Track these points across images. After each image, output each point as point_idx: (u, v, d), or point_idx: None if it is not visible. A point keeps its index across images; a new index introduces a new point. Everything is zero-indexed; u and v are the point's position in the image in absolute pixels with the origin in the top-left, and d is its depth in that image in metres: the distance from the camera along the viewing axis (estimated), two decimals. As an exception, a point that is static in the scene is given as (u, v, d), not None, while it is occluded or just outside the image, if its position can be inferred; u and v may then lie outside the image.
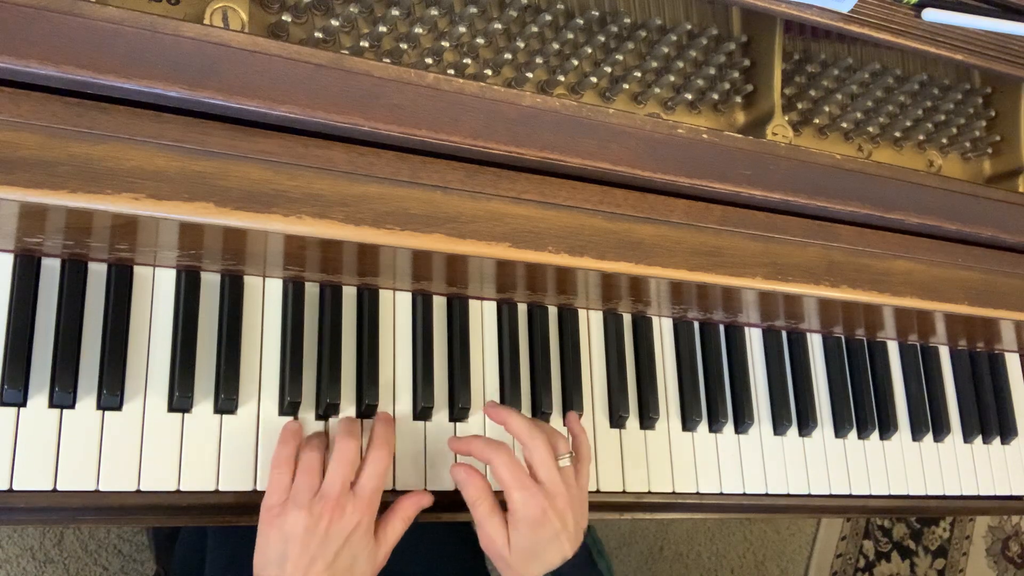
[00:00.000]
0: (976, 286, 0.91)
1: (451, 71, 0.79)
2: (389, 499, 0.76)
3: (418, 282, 0.83)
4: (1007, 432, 1.12)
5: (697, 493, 0.93)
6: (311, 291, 0.81)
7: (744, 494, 0.95)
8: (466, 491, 0.76)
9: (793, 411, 1.00)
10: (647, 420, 0.91)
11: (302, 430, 0.77)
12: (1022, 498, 1.11)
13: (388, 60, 0.75)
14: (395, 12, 0.76)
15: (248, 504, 0.75)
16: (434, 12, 0.77)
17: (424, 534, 0.94)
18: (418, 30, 0.76)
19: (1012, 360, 1.17)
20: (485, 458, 0.76)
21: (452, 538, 0.98)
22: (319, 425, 0.79)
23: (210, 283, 0.77)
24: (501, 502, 0.75)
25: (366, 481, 0.72)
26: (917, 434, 1.06)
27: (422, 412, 0.82)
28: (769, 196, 0.80)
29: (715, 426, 0.95)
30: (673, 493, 0.91)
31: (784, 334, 1.02)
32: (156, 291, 0.76)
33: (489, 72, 0.81)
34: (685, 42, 0.88)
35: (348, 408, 0.80)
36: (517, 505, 0.73)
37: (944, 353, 1.12)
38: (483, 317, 0.87)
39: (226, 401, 0.75)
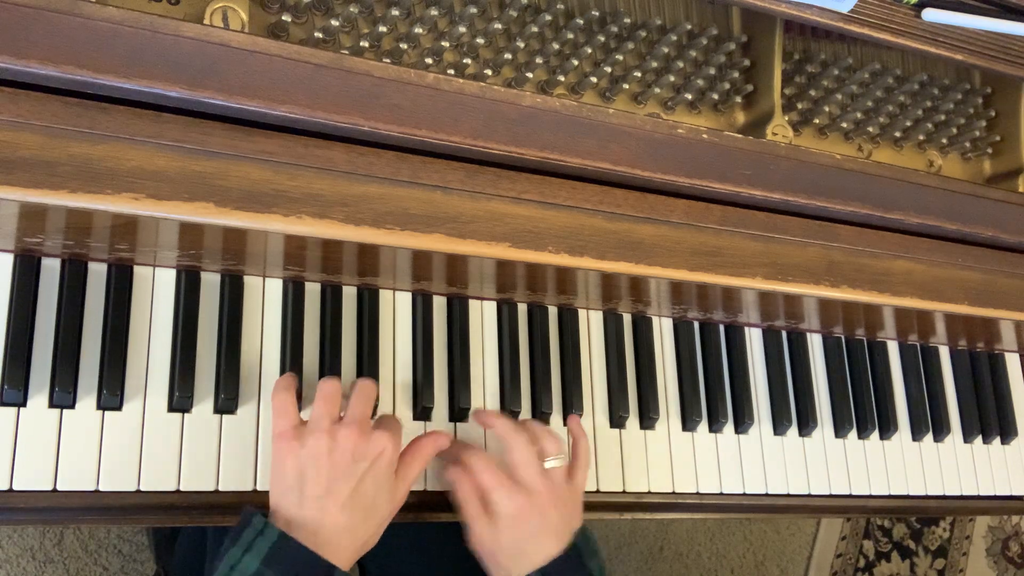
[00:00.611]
0: (976, 286, 0.91)
1: (451, 71, 0.79)
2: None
3: (418, 282, 0.83)
4: (1007, 432, 1.12)
5: (697, 493, 0.93)
6: (311, 291, 0.81)
7: (744, 494, 0.95)
8: (458, 491, 0.77)
9: (793, 411, 1.00)
10: (647, 420, 0.91)
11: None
12: (1022, 498, 1.11)
13: (388, 60, 0.75)
14: (395, 12, 0.76)
15: (248, 504, 0.74)
16: (434, 12, 0.77)
17: (424, 534, 0.94)
18: (418, 30, 0.76)
19: (1012, 360, 1.16)
20: (463, 462, 0.77)
21: (452, 538, 0.97)
22: (319, 425, 0.79)
23: (210, 283, 0.77)
24: None
25: (386, 423, 0.72)
26: (917, 434, 1.06)
27: (422, 412, 0.82)
28: (769, 196, 0.80)
29: (715, 426, 0.95)
30: (673, 493, 0.91)
31: (784, 334, 1.02)
32: (156, 291, 0.76)
33: (489, 72, 0.81)
34: (685, 42, 0.88)
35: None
36: (497, 505, 0.74)
37: (944, 353, 1.12)
38: (483, 317, 0.87)
39: (226, 401, 0.75)
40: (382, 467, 0.70)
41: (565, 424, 0.87)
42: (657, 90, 0.87)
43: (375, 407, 0.80)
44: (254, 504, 0.74)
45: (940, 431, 1.07)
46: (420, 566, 0.94)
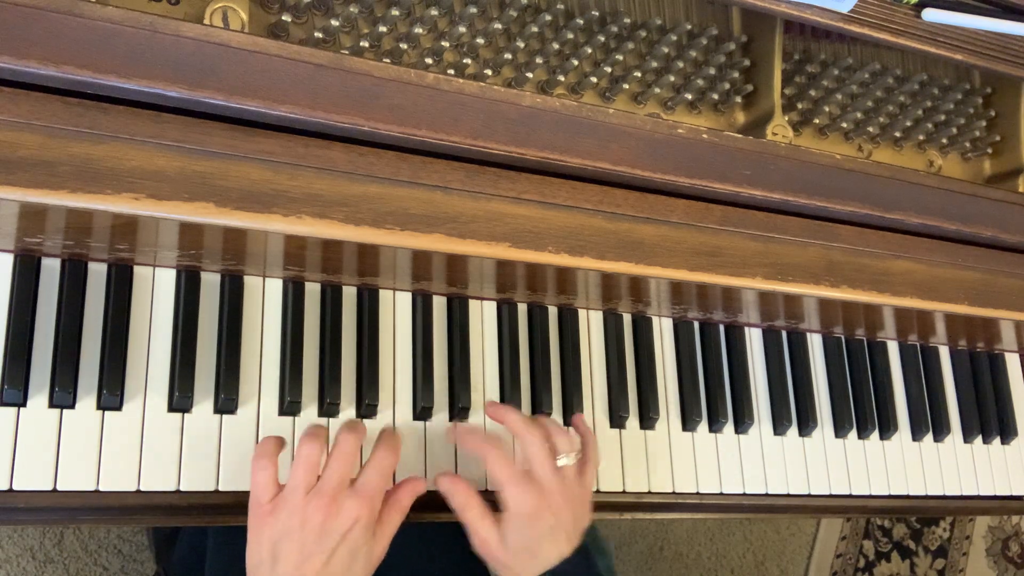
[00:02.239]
0: (976, 286, 0.91)
1: (451, 71, 0.79)
2: (389, 499, 0.76)
3: (418, 282, 0.83)
4: (1007, 432, 1.12)
5: (697, 493, 0.92)
6: (311, 291, 0.81)
7: (744, 494, 0.95)
8: (453, 499, 0.76)
9: (793, 411, 1.00)
10: (647, 420, 0.91)
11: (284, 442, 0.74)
12: (1022, 498, 1.11)
13: (388, 60, 0.75)
14: (395, 12, 0.76)
15: (248, 504, 0.74)
16: (434, 12, 0.77)
17: (424, 534, 0.94)
18: (418, 30, 0.76)
19: (1012, 360, 1.16)
20: (480, 454, 0.76)
21: (452, 538, 0.97)
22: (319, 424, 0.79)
23: (210, 283, 0.77)
24: (491, 503, 0.76)
25: (369, 478, 0.70)
26: (917, 434, 1.06)
27: (422, 412, 0.82)
28: (769, 196, 0.80)
29: (715, 426, 0.95)
30: (673, 493, 0.91)
31: (784, 334, 1.02)
32: (156, 291, 0.76)
33: (489, 72, 0.81)
34: (685, 42, 0.88)
35: (348, 408, 0.80)
36: (511, 501, 0.73)
37: (944, 353, 1.12)
38: (483, 317, 0.87)
39: (226, 401, 0.75)
40: (356, 536, 0.68)
41: (568, 424, 0.87)
42: (657, 90, 0.87)
43: (374, 408, 0.80)
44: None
45: (940, 431, 1.07)
46: (420, 566, 0.94)
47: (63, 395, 0.70)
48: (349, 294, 0.82)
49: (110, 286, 0.74)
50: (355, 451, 0.71)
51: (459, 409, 0.83)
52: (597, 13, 0.84)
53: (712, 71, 0.88)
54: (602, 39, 0.85)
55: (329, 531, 0.67)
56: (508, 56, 0.80)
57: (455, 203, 0.70)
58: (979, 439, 1.10)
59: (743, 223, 0.81)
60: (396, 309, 0.84)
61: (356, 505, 0.68)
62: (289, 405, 0.77)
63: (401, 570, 0.92)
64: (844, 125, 0.96)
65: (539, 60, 0.82)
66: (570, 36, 0.83)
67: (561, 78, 0.83)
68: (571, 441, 0.78)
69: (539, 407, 0.87)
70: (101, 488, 0.70)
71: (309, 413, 0.78)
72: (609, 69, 0.85)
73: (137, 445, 0.72)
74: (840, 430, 1.01)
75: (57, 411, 0.71)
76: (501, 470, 0.74)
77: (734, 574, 1.88)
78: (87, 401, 0.72)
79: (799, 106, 0.94)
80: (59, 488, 0.69)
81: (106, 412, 0.72)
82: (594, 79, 0.84)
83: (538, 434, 0.76)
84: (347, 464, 0.69)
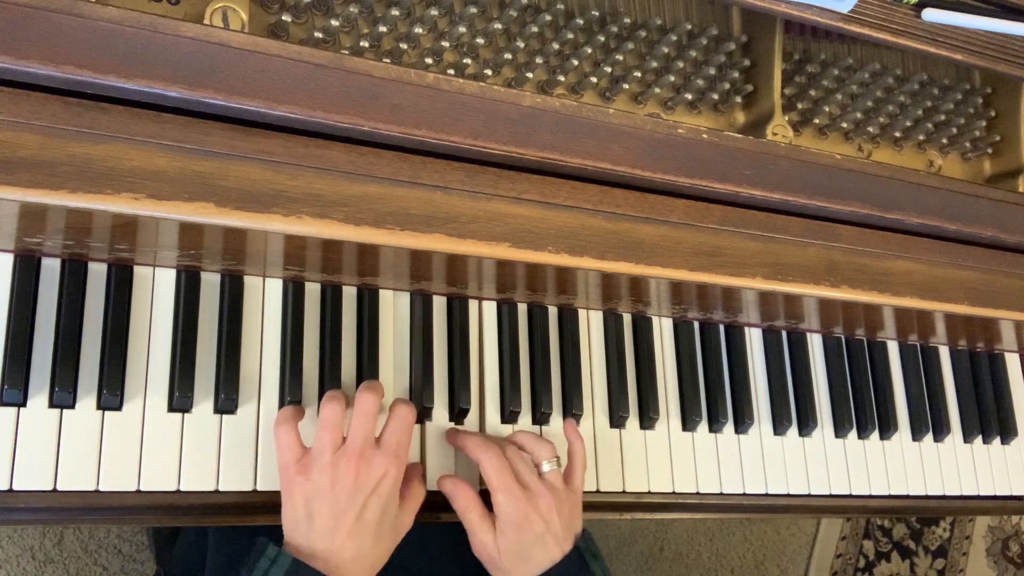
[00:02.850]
0: (976, 286, 0.91)
1: (451, 71, 0.79)
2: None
3: (418, 282, 0.83)
4: (1007, 432, 1.12)
5: (697, 493, 0.92)
6: (311, 291, 0.81)
7: (744, 494, 0.95)
8: (455, 501, 0.77)
9: (793, 411, 1.00)
10: (647, 420, 0.91)
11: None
12: (1022, 498, 1.11)
13: (388, 60, 0.75)
14: (395, 12, 0.76)
15: (248, 504, 0.75)
16: (434, 12, 0.77)
17: (424, 534, 0.94)
18: (418, 30, 0.76)
19: (1012, 360, 1.16)
20: (475, 457, 0.77)
21: (452, 538, 0.97)
22: (319, 425, 0.79)
23: (210, 283, 0.77)
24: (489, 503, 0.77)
25: (391, 435, 0.73)
26: (917, 434, 1.06)
27: (422, 412, 0.82)
28: (769, 196, 0.80)
29: (715, 426, 0.95)
30: (673, 493, 0.91)
31: (784, 334, 1.02)
32: (156, 291, 0.76)
33: (489, 72, 0.81)
34: (685, 42, 0.88)
35: (348, 407, 0.80)
36: (501, 507, 0.75)
37: (944, 353, 1.12)
38: (483, 317, 0.87)
39: (226, 401, 0.75)
40: (385, 490, 0.71)
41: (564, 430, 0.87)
42: (657, 90, 0.87)
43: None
44: (254, 505, 0.74)
45: (940, 431, 1.07)
46: (420, 566, 0.94)
47: (63, 395, 0.70)
48: (349, 294, 0.82)
49: (110, 286, 0.74)
50: (376, 410, 0.73)
51: (459, 409, 0.83)
52: (597, 13, 0.84)
53: (712, 71, 0.88)
54: (602, 39, 0.85)
55: (360, 487, 0.69)
56: (508, 56, 0.80)
57: (455, 203, 0.70)
58: (979, 439, 1.10)
59: (743, 223, 0.81)
60: (396, 309, 0.84)
61: (384, 461, 0.71)
62: (289, 405, 0.77)
63: (403, 570, 0.92)
64: (844, 125, 0.96)
65: (539, 60, 0.82)
66: (570, 36, 0.83)
67: (561, 78, 0.83)
68: (550, 447, 0.79)
69: (539, 407, 0.87)
70: (101, 488, 0.70)
71: (310, 413, 0.78)
72: (609, 69, 0.85)
73: (137, 445, 0.72)
74: (840, 430, 1.01)
75: (57, 411, 0.71)
76: (493, 476, 0.75)
77: (734, 574, 1.88)
78: (87, 401, 0.72)
79: (799, 106, 0.94)
80: (59, 488, 0.69)
81: (106, 412, 0.72)
82: (594, 79, 0.84)
83: (510, 449, 0.78)
84: (370, 422, 0.72)
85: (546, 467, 0.78)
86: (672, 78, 0.87)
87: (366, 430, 0.71)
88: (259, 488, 0.75)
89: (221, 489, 0.74)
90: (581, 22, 0.83)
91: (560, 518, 0.76)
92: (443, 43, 0.78)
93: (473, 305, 0.87)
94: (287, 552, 0.68)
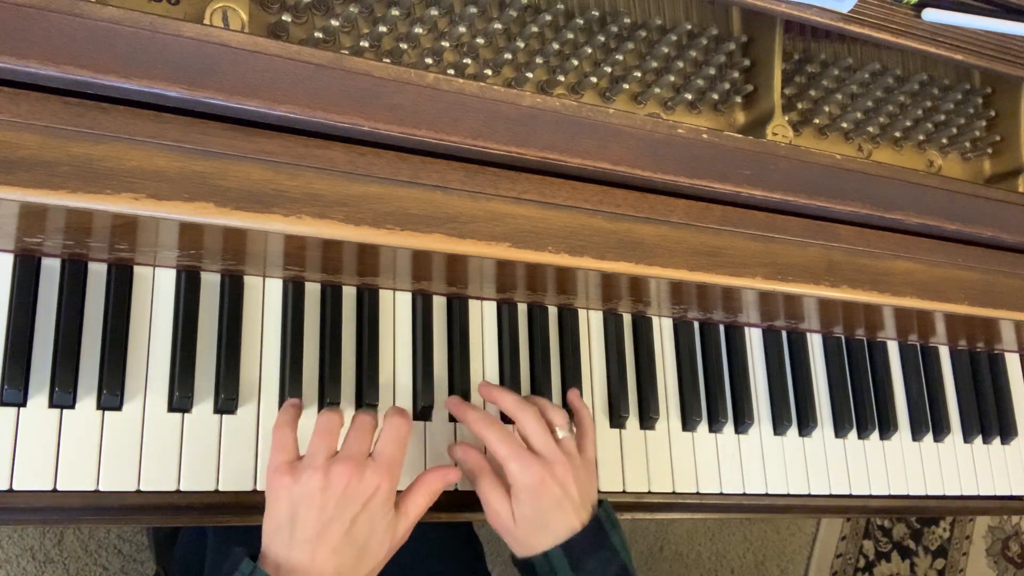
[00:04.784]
0: (976, 286, 0.91)
1: (451, 71, 0.79)
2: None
3: (418, 282, 0.83)
4: (1007, 432, 1.12)
5: (697, 493, 0.93)
6: (311, 291, 0.81)
7: (744, 494, 0.95)
8: (465, 466, 0.76)
9: (793, 411, 1.00)
10: (647, 420, 0.91)
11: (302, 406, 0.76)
12: (1022, 498, 1.11)
13: (388, 60, 0.75)
14: (395, 12, 0.76)
15: (248, 504, 0.74)
16: (434, 12, 0.77)
17: (424, 534, 0.94)
18: (418, 30, 0.76)
19: (1012, 360, 1.16)
20: (479, 433, 0.76)
21: (452, 538, 0.97)
22: (319, 425, 0.79)
23: (210, 283, 0.77)
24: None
25: (384, 447, 0.70)
26: (917, 434, 1.06)
27: (422, 412, 0.82)
28: (769, 196, 0.80)
29: (715, 426, 0.95)
30: (673, 493, 0.91)
31: (784, 334, 1.02)
32: (156, 291, 0.76)
33: (489, 72, 0.81)
34: (685, 42, 0.88)
35: (348, 408, 0.80)
36: (515, 476, 0.74)
37: (944, 353, 1.12)
38: (483, 317, 0.87)
39: (226, 401, 0.75)
40: (376, 506, 0.67)
41: (565, 401, 0.87)
42: (657, 90, 0.87)
43: (374, 408, 0.80)
44: (254, 505, 0.74)
45: (940, 431, 1.07)
46: (420, 566, 0.93)
47: (63, 395, 0.70)
48: (349, 294, 0.82)
49: (110, 286, 0.74)
50: (373, 426, 0.71)
51: (459, 409, 0.83)
52: (597, 13, 0.84)
53: (712, 71, 0.88)
54: (602, 39, 0.85)
55: (350, 497, 0.66)
56: (508, 56, 0.80)
57: (455, 203, 0.70)
58: (979, 439, 1.10)
59: (743, 223, 0.81)
60: (396, 309, 0.84)
61: (377, 474, 0.68)
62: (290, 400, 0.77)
63: (402, 569, 0.92)
64: (844, 125, 0.96)
65: (539, 60, 0.82)
66: (570, 36, 0.83)
67: (561, 78, 0.83)
68: (564, 415, 0.79)
69: (539, 407, 0.87)
70: (101, 488, 0.70)
71: (309, 413, 0.78)
72: (609, 69, 0.85)
73: (137, 445, 0.72)
74: (840, 430, 1.01)
75: (57, 411, 0.71)
76: (502, 446, 0.74)
77: (734, 574, 1.88)
78: (87, 401, 0.72)
79: (799, 106, 0.94)
80: (59, 488, 0.69)
81: (106, 412, 0.72)
82: (594, 79, 0.84)
83: (532, 410, 0.77)
84: (366, 436, 0.70)
85: (561, 434, 0.77)
86: (672, 78, 0.87)
87: (362, 443, 0.69)
88: (259, 488, 0.75)
89: (221, 489, 0.74)
90: (581, 22, 0.83)
91: (577, 485, 0.75)
92: (443, 43, 0.78)
93: (473, 305, 0.87)
94: (263, 570, 0.64)
